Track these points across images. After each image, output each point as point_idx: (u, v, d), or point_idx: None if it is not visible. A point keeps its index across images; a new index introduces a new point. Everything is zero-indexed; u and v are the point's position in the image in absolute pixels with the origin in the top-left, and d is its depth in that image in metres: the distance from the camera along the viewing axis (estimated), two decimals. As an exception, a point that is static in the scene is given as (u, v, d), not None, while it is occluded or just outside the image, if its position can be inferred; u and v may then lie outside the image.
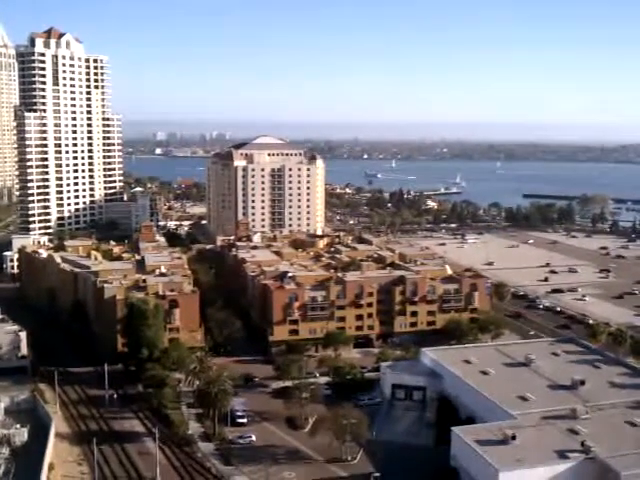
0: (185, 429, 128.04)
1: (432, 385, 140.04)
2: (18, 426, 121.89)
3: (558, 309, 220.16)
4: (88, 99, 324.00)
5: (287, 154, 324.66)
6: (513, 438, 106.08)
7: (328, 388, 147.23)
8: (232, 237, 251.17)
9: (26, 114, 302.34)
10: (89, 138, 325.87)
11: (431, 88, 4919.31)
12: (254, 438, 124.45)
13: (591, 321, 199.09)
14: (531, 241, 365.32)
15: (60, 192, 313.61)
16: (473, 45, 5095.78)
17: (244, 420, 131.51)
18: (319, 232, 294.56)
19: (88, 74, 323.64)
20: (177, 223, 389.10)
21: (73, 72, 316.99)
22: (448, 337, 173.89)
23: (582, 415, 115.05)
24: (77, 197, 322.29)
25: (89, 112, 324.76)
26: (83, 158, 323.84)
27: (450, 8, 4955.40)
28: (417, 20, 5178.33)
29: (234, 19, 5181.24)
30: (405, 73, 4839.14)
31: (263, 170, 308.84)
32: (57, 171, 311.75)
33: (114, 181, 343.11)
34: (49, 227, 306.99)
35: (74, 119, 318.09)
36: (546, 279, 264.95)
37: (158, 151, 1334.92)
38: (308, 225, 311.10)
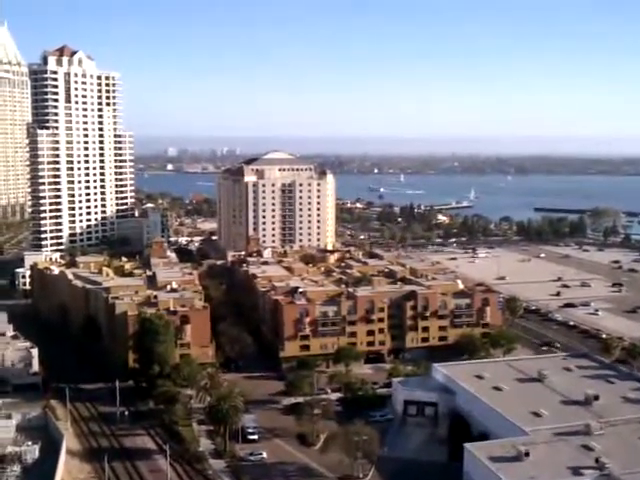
0: (196, 446, 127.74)
1: (444, 401, 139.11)
2: (29, 443, 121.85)
3: (571, 323, 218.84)
4: (100, 116, 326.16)
5: (297, 169, 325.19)
6: (526, 455, 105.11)
7: (339, 404, 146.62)
8: (243, 252, 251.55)
9: (38, 131, 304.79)
10: (101, 155, 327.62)
11: (439, 102, 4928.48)
12: (265, 455, 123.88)
13: (604, 335, 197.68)
14: (543, 255, 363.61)
15: (72, 209, 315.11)
16: (479, 57, 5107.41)
17: (255, 437, 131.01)
18: (330, 247, 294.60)
19: (100, 91, 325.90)
20: (188, 239, 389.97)
21: (85, 89, 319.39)
22: (460, 352, 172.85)
23: (596, 431, 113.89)
24: (89, 214, 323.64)
25: (101, 129, 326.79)
26: (95, 175, 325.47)
27: (453, 19, 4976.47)
28: (420, 33, 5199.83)
29: (238, 31, 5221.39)
30: (411, 86, 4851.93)
31: (274, 185, 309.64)
32: (69, 188, 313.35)
33: (125, 197, 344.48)
34: (61, 244, 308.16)
35: (86, 136, 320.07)
36: (558, 293, 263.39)
37: (169, 167, 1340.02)
38: (319, 240, 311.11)
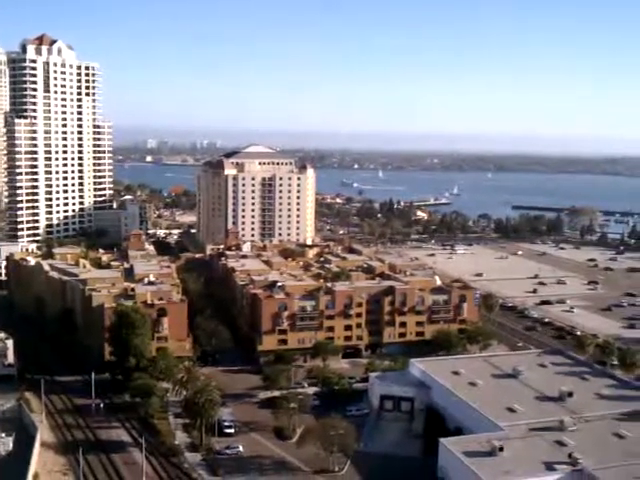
0: (172, 439, 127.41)
1: (420, 396, 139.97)
2: (3, 435, 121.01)
3: (547, 320, 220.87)
4: (79, 106, 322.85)
5: (278, 163, 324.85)
6: (501, 450, 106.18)
7: (316, 398, 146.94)
8: (222, 246, 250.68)
9: (16, 120, 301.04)
10: (79, 145, 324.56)
11: (421, 99, 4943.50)
12: (241, 448, 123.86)
13: (579, 333, 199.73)
14: (520, 252, 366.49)
15: (49, 199, 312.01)
16: (461, 55, 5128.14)
17: (232, 430, 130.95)
18: (309, 242, 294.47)
19: (79, 81, 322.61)
20: (166, 231, 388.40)
21: (64, 79, 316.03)
22: (437, 348, 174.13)
23: (569, 427, 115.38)
24: (66, 204, 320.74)
25: (80, 119, 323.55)
26: (73, 165, 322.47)
27: (439, 17, 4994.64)
28: (405, 28, 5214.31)
29: (220, 25, 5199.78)
30: (393, 83, 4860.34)
31: (254, 179, 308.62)
32: (46, 178, 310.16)
33: (104, 189, 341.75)
34: (37, 234, 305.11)
35: (64, 126, 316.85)
36: (535, 290, 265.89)
37: (149, 159, 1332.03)
38: (298, 235, 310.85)
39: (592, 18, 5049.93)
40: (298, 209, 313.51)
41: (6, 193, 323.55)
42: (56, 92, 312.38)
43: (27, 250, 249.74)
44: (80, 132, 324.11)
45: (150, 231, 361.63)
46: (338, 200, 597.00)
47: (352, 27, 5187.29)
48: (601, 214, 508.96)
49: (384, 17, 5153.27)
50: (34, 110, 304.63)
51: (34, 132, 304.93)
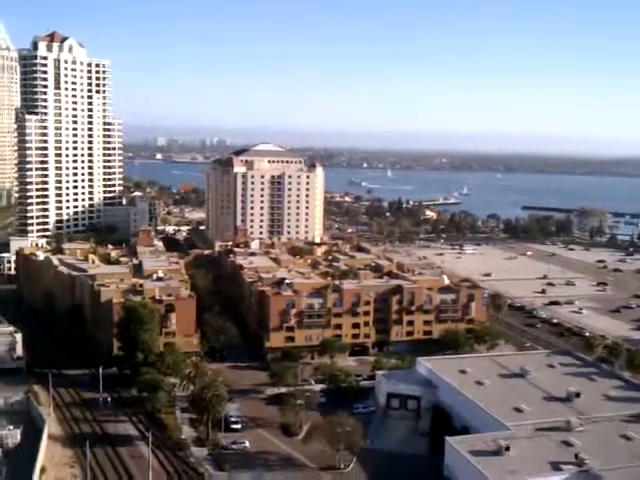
0: (178, 433, 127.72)
1: (427, 395, 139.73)
2: (11, 427, 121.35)
3: (555, 321, 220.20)
4: (89, 103, 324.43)
5: (287, 161, 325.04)
6: (507, 449, 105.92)
7: (323, 395, 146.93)
8: (230, 243, 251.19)
9: (27, 117, 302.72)
10: (89, 142, 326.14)
11: (430, 99, 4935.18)
12: (248, 444, 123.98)
13: (587, 334, 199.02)
14: (529, 253, 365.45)
15: (59, 195, 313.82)
16: (470, 55, 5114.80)
17: (238, 426, 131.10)
18: (317, 240, 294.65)
19: (90, 78, 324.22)
20: (175, 228, 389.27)
21: (75, 76, 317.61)
22: (444, 347, 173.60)
23: (576, 427, 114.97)
24: (76, 200, 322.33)
25: (90, 116, 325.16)
26: (83, 162, 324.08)
27: (444, 17, 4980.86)
28: (413, 29, 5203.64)
29: (228, 23, 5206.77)
30: (402, 83, 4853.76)
31: (263, 177, 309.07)
32: (57, 174, 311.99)
33: (113, 185, 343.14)
34: (47, 230, 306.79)
35: (75, 123, 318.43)
36: (543, 291, 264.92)
37: (158, 156, 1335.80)
38: (306, 232, 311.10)
39: (594, 18, 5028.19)
40: (307, 207, 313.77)
41: (17, 188, 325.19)
42: (67, 89, 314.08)
43: (37, 245, 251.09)
44: (90, 129, 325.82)
45: (159, 227, 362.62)
46: (347, 199, 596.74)
47: (352, 27, 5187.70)
48: (611, 215, 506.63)
49: (384, 18, 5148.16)
50: (45, 107, 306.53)
51: (45, 128, 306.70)
